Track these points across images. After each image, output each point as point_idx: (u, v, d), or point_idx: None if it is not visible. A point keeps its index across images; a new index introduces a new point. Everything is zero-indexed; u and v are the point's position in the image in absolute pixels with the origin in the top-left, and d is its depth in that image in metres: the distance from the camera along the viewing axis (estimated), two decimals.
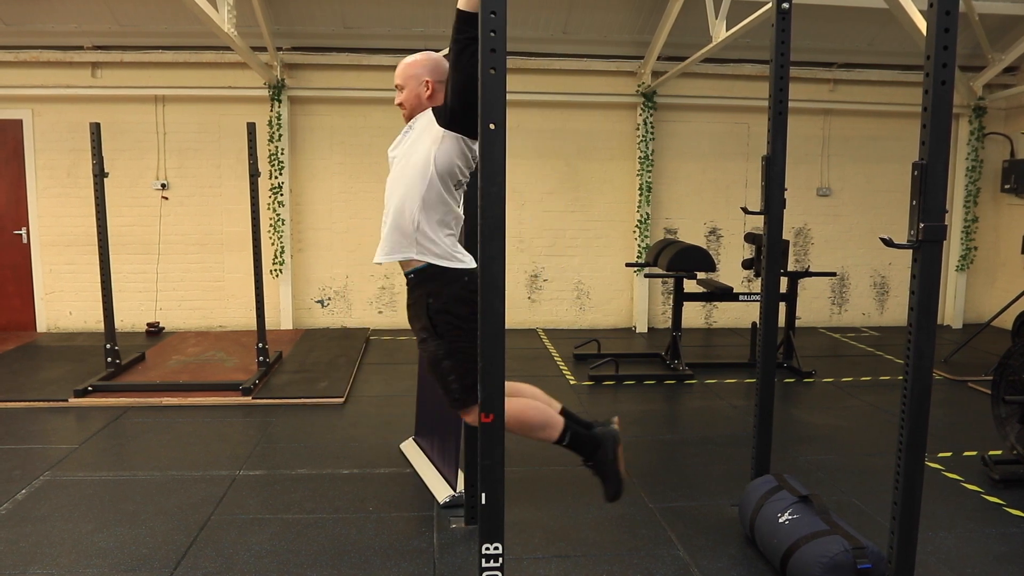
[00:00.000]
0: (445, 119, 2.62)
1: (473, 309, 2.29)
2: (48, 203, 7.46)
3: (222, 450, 4.29)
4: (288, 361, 6.30)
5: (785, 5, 3.16)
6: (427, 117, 2.72)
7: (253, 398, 5.23)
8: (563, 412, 2.90)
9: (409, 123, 2.83)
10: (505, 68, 1.95)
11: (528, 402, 2.81)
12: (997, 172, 8.19)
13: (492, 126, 1.93)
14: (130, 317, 7.60)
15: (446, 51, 3.85)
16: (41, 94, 7.28)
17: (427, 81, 2.75)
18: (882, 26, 7.25)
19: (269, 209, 7.44)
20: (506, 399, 2.63)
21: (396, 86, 2.82)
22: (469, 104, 2.55)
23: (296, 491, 3.73)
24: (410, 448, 4.25)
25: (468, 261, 2.74)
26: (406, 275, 2.80)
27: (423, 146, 2.68)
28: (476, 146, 2.68)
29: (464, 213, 2.85)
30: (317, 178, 7.70)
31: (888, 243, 2.39)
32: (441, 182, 2.67)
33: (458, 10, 2.47)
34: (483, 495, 2.08)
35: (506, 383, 2.81)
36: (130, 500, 3.60)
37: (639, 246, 7.83)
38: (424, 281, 2.72)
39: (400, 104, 2.82)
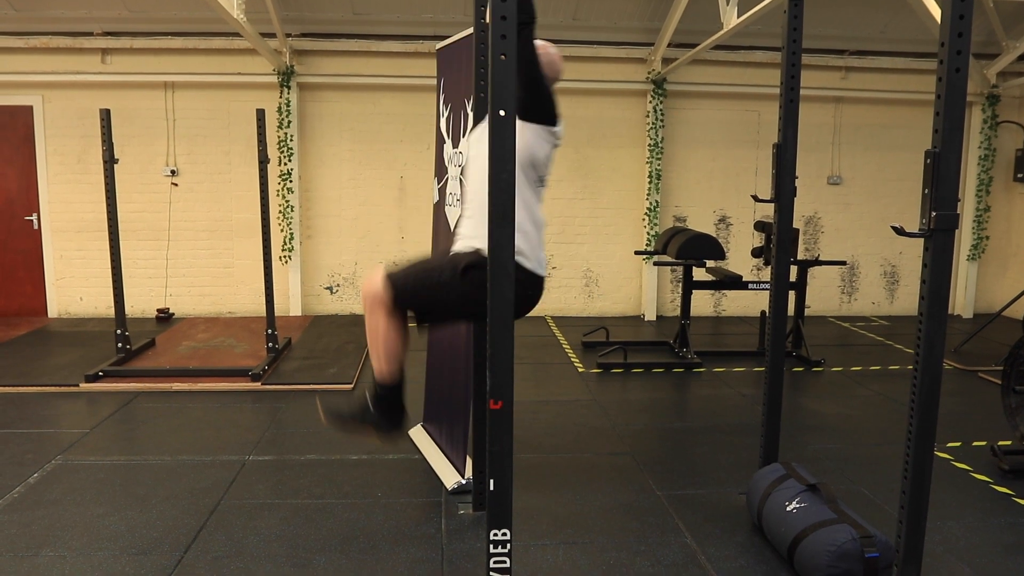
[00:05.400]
0: (521, 111, 2.56)
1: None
2: (59, 189, 7.48)
3: (232, 435, 4.32)
4: (297, 347, 6.32)
5: None
6: None
7: (262, 384, 5.25)
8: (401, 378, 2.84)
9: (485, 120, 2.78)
10: (515, 55, 1.94)
11: (401, 332, 2.71)
12: (1010, 161, 8.12)
13: (502, 112, 1.92)
14: (140, 303, 7.64)
15: (455, 37, 3.84)
16: (51, 80, 7.30)
17: None
18: (895, 13, 7.18)
19: (278, 196, 7.45)
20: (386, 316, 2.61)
21: None
22: (534, 88, 2.53)
23: (305, 476, 3.75)
24: (418, 434, 4.26)
25: (530, 264, 2.69)
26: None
27: None
28: (557, 130, 2.65)
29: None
30: (326, 165, 7.70)
31: (900, 232, 2.38)
32: (523, 176, 2.62)
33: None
34: (491, 481, 2.08)
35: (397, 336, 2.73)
36: (141, 484, 3.63)
37: (648, 234, 7.80)
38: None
39: None
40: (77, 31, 7.20)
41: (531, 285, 2.77)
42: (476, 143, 2.79)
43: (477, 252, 2.63)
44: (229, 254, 7.72)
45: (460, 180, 3.76)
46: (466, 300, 2.65)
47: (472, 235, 2.73)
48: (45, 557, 2.93)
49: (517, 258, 2.64)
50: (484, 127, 2.75)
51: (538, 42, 2.75)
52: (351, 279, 7.87)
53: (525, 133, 2.60)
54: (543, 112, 2.61)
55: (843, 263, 6.76)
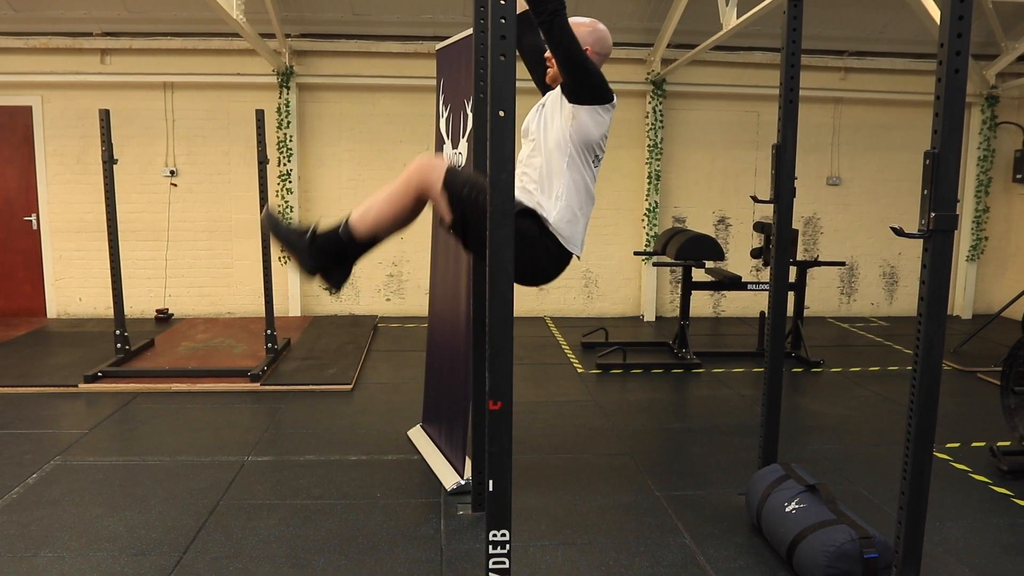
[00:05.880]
0: (571, 96, 2.57)
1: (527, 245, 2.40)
2: (58, 190, 7.48)
3: (231, 436, 4.31)
4: (296, 348, 6.32)
5: None
6: (556, 93, 2.66)
7: (261, 384, 5.25)
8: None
9: (542, 99, 2.76)
10: (515, 56, 1.94)
11: (405, 219, 2.71)
12: (1009, 162, 8.13)
13: (501, 113, 1.92)
14: (139, 303, 7.64)
15: (455, 37, 3.84)
16: (51, 80, 7.29)
17: (586, 49, 2.61)
18: (894, 13, 7.18)
19: (278, 196, 7.45)
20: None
21: (546, 57, 2.71)
22: (579, 72, 2.50)
23: (304, 477, 3.75)
24: (418, 435, 4.26)
25: (567, 242, 2.69)
26: None
27: (557, 125, 2.63)
28: (611, 105, 2.63)
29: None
30: (325, 165, 7.69)
31: (899, 232, 2.38)
32: (580, 158, 2.63)
33: None
34: (490, 482, 2.08)
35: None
36: (140, 485, 3.62)
37: (647, 235, 7.80)
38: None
39: (554, 78, 2.71)
40: (76, 31, 7.20)
41: (558, 259, 2.76)
42: (542, 130, 2.71)
43: (529, 209, 2.62)
44: (228, 254, 7.72)
45: None
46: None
47: (538, 192, 2.67)
48: (44, 558, 2.93)
49: (553, 231, 2.66)
50: (545, 113, 2.70)
51: (584, 19, 2.73)
52: (350, 280, 7.84)
53: (580, 116, 2.59)
54: (594, 93, 2.58)
55: (842, 264, 6.75)
